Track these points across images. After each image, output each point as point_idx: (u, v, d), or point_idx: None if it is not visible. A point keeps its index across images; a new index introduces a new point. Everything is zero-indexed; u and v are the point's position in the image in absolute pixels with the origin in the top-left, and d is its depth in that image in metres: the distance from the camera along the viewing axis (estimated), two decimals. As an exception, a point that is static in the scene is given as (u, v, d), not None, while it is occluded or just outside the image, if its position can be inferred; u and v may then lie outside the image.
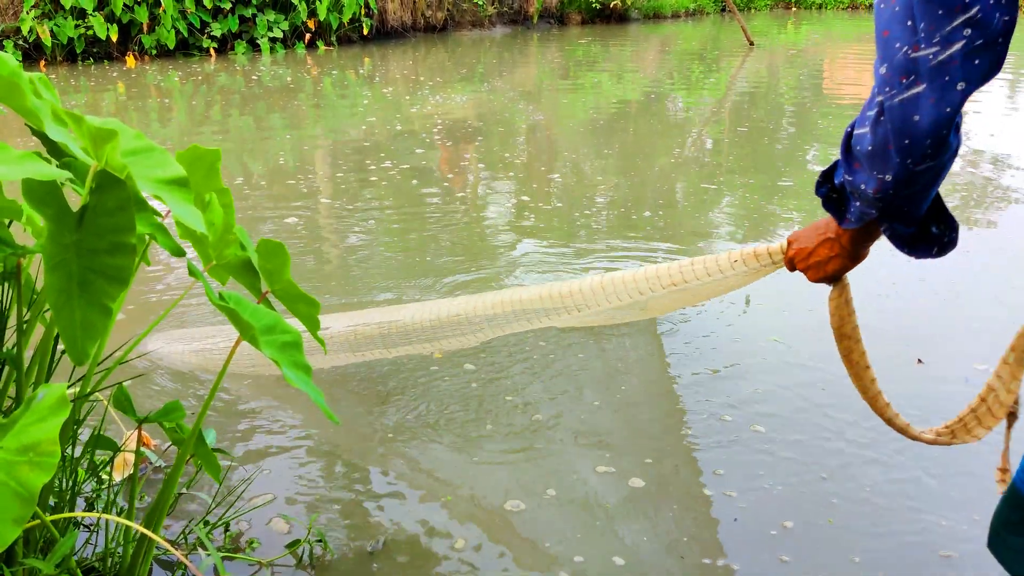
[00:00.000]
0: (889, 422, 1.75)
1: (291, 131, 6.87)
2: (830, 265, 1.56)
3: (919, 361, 2.74)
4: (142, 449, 1.96)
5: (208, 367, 2.64)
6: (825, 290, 1.69)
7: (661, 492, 2.13)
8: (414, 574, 1.85)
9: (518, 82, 9.86)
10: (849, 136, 1.26)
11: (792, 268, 1.69)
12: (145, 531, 1.39)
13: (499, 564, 1.88)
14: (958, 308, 3.22)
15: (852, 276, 1.64)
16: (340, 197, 4.84)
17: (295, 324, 1.59)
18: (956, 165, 5.58)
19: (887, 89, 1.12)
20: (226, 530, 1.91)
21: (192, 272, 1.44)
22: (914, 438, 1.71)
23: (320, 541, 1.88)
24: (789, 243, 1.67)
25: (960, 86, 1.06)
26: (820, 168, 5.71)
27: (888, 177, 1.19)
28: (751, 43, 12.91)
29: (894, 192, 1.22)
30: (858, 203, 1.32)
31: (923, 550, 1.94)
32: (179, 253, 1.63)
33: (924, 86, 1.08)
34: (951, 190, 5.02)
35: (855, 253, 1.52)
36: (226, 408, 2.52)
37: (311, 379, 1.42)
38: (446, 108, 7.75)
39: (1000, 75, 9.94)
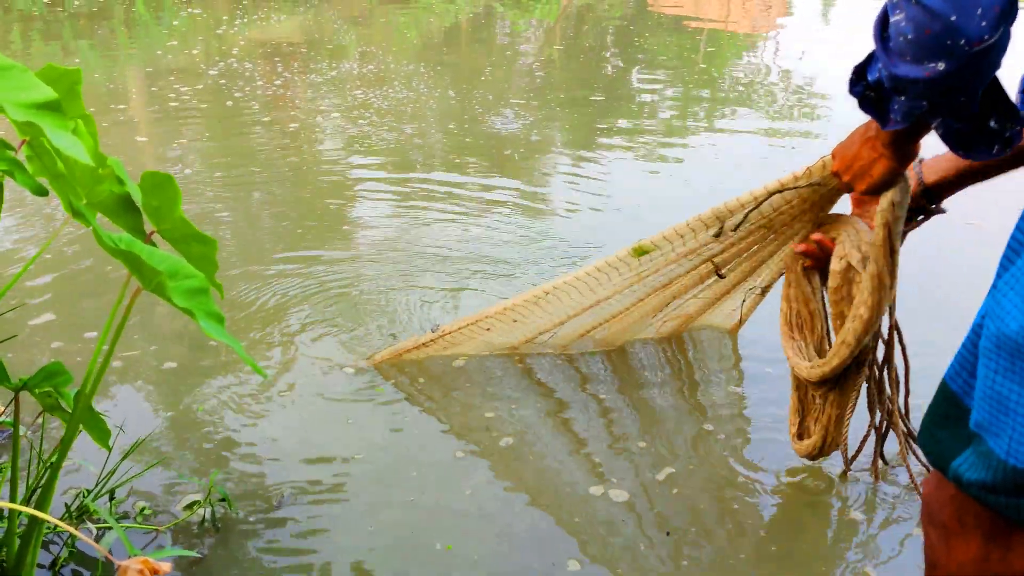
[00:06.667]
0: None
1: (101, 58, 6.24)
2: (875, 168, 1.36)
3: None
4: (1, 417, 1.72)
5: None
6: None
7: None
8: (325, 525, 1.74)
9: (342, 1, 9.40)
10: (883, 23, 1.07)
11: (843, 186, 1.49)
12: (40, 514, 1.22)
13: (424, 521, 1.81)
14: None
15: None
16: (156, 129, 4.44)
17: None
18: (773, 90, 5.81)
19: None
20: (111, 498, 1.72)
21: (77, 213, 1.24)
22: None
23: (223, 500, 1.73)
24: (832, 156, 1.47)
25: None
26: (644, 86, 5.79)
27: (941, 66, 1.01)
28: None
29: (948, 82, 1.03)
30: (903, 98, 1.13)
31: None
32: (41, 193, 1.40)
33: None
34: (762, 108, 5.24)
35: (901, 153, 1.32)
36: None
37: (224, 328, 1.26)
38: (266, 31, 7.28)
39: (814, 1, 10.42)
